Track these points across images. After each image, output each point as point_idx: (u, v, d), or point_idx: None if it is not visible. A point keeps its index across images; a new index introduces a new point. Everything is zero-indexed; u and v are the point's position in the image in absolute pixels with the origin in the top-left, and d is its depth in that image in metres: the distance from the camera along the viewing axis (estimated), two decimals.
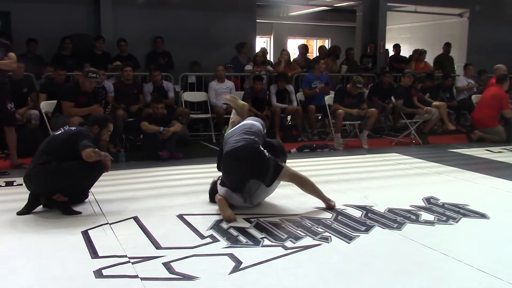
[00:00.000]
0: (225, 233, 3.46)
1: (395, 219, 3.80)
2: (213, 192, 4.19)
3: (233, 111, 4.57)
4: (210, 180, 4.28)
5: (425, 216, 3.89)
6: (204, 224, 3.62)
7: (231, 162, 3.92)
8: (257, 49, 10.03)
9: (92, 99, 6.13)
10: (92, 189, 4.20)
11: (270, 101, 8.17)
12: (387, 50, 11.54)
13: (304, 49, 10.41)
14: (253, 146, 3.92)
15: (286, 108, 8.17)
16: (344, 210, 4.01)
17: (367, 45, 10.80)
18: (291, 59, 9.81)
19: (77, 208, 3.98)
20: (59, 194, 3.87)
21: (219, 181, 4.12)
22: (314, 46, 16.60)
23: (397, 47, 11.16)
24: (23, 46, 7.83)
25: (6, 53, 5.26)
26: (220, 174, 4.13)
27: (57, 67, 7.03)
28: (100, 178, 4.09)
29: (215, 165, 4.24)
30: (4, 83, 5.36)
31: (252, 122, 4.26)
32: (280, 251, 3.13)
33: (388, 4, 11.29)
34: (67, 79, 7.13)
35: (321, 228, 3.57)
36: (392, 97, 8.28)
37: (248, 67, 8.94)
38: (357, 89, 7.23)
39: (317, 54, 10.67)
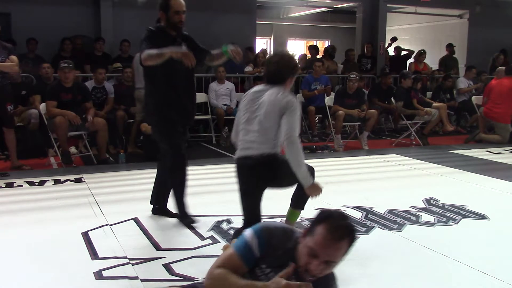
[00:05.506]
0: (225, 234, 3.46)
1: (395, 220, 3.80)
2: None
3: None
4: (211, 182, 4.25)
5: (425, 217, 3.89)
6: (204, 225, 3.62)
7: None
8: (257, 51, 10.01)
9: (77, 95, 5.96)
10: (92, 190, 4.20)
11: None
12: (387, 51, 11.53)
13: (315, 50, 10.40)
14: None
15: None
16: (344, 211, 4.00)
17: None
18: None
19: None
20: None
21: None
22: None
23: (398, 49, 11.15)
24: (24, 47, 7.83)
25: (8, 56, 5.29)
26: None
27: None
28: (100, 179, 4.09)
29: (215, 166, 4.20)
30: (5, 85, 5.39)
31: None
32: None
33: (388, 5, 11.29)
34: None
35: None
36: (392, 99, 8.28)
37: (248, 68, 8.93)
38: (354, 82, 7.23)
39: (308, 55, 10.63)
